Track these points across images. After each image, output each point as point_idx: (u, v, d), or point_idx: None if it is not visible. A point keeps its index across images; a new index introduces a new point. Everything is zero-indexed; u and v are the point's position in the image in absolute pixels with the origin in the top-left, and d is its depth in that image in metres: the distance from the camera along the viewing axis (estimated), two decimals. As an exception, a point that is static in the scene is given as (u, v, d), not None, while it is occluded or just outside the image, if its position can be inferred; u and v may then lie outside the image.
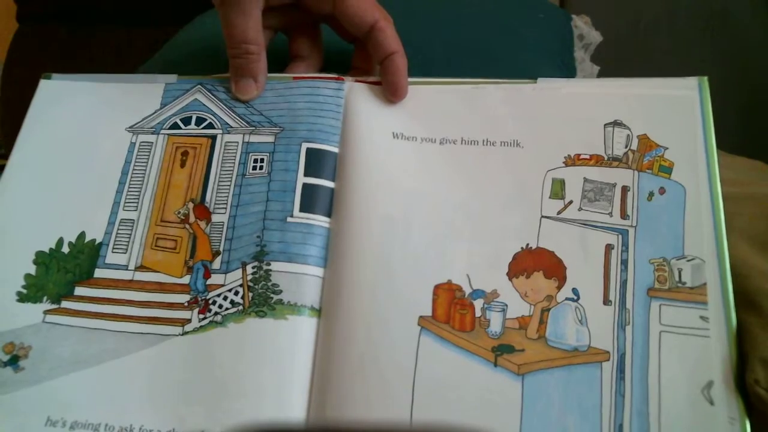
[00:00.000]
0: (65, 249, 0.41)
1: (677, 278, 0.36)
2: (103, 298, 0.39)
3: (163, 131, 0.44)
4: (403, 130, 0.43)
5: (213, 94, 0.45)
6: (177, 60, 0.48)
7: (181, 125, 0.44)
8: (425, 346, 0.37)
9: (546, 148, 0.41)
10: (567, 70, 0.57)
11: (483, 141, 0.42)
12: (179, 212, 0.42)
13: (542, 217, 0.39)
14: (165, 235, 0.41)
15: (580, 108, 0.42)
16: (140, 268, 0.40)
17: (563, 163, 0.40)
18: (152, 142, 0.44)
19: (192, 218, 0.41)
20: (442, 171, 0.41)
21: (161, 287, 0.40)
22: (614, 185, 0.39)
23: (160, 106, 0.45)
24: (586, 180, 0.40)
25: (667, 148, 0.40)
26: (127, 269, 0.40)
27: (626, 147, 0.40)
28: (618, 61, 0.65)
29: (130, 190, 0.43)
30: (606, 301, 0.37)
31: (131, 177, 0.43)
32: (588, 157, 0.40)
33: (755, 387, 0.33)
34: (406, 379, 0.36)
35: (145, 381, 0.37)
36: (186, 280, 0.40)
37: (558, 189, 0.40)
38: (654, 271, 0.37)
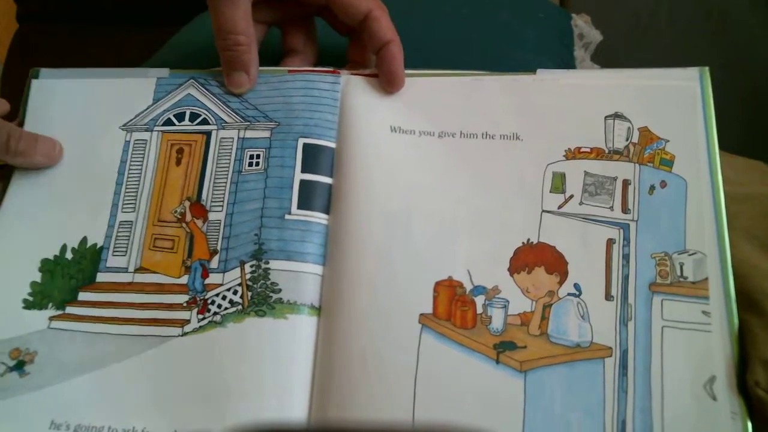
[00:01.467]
0: (68, 255, 0.41)
1: (679, 273, 0.36)
2: (105, 302, 0.39)
3: (156, 128, 0.44)
4: (401, 123, 0.42)
5: (206, 89, 0.44)
6: (176, 60, 0.47)
7: (175, 121, 0.44)
8: (426, 344, 0.36)
9: (546, 141, 0.40)
10: (567, 69, 0.56)
11: (482, 134, 0.41)
12: (176, 211, 0.41)
13: (543, 211, 0.39)
14: (162, 235, 0.41)
15: (580, 100, 0.41)
16: (140, 269, 0.40)
17: (563, 156, 0.40)
18: (146, 140, 0.43)
19: (189, 217, 0.41)
20: (441, 165, 0.41)
21: (160, 288, 0.39)
22: (615, 179, 0.39)
23: (153, 101, 0.44)
24: (586, 173, 0.39)
25: (668, 141, 0.39)
26: (127, 271, 0.40)
27: (627, 140, 0.40)
28: (618, 60, 0.64)
29: (127, 190, 0.42)
30: (608, 297, 0.37)
31: (128, 177, 0.42)
32: (589, 150, 0.40)
33: (756, 389, 0.33)
34: (407, 377, 0.36)
35: (147, 383, 0.37)
36: (184, 280, 0.39)
37: (558, 183, 0.40)
38: (656, 265, 0.37)
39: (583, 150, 0.40)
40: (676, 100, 0.40)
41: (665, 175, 0.39)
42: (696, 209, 0.37)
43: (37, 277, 0.40)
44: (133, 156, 0.43)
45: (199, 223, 0.41)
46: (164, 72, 0.45)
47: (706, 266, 0.36)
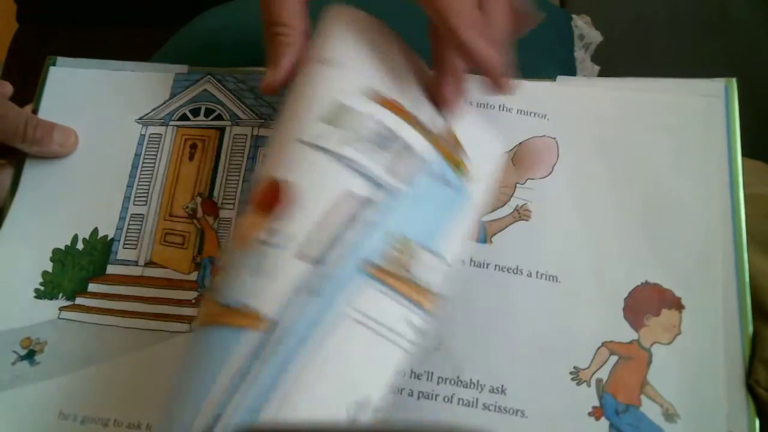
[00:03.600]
0: (80, 246, 0.41)
1: (407, 268, 0.30)
2: (114, 295, 0.40)
3: (172, 122, 0.44)
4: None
5: (223, 84, 0.45)
6: (176, 59, 0.47)
7: (190, 116, 0.44)
8: None
9: None
10: (567, 70, 0.56)
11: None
12: (187, 207, 0.42)
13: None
14: (173, 230, 0.41)
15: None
16: (150, 263, 0.41)
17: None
18: (161, 134, 0.44)
19: (200, 213, 0.41)
20: None
21: (170, 283, 0.40)
22: (408, 145, 0.33)
23: (170, 96, 0.45)
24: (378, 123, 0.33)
25: None
26: (137, 265, 0.41)
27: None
28: (618, 60, 0.64)
29: (140, 183, 0.43)
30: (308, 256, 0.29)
31: (141, 170, 0.43)
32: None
33: (756, 388, 0.33)
34: None
35: (154, 378, 0.37)
36: (194, 276, 0.40)
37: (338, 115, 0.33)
38: (389, 247, 0.30)
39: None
40: None
41: (453, 175, 0.34)
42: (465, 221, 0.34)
43: (49, 266, 0.41)
44: (148, 150, 0.43)
45: (210, 219, 0.41)
46: (183, 68, 0.46)
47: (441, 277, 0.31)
